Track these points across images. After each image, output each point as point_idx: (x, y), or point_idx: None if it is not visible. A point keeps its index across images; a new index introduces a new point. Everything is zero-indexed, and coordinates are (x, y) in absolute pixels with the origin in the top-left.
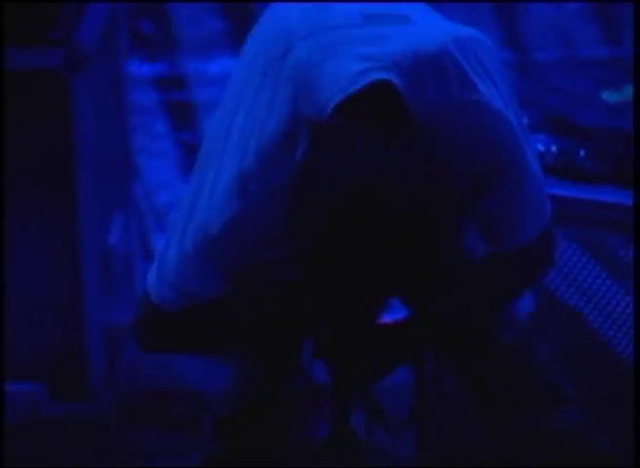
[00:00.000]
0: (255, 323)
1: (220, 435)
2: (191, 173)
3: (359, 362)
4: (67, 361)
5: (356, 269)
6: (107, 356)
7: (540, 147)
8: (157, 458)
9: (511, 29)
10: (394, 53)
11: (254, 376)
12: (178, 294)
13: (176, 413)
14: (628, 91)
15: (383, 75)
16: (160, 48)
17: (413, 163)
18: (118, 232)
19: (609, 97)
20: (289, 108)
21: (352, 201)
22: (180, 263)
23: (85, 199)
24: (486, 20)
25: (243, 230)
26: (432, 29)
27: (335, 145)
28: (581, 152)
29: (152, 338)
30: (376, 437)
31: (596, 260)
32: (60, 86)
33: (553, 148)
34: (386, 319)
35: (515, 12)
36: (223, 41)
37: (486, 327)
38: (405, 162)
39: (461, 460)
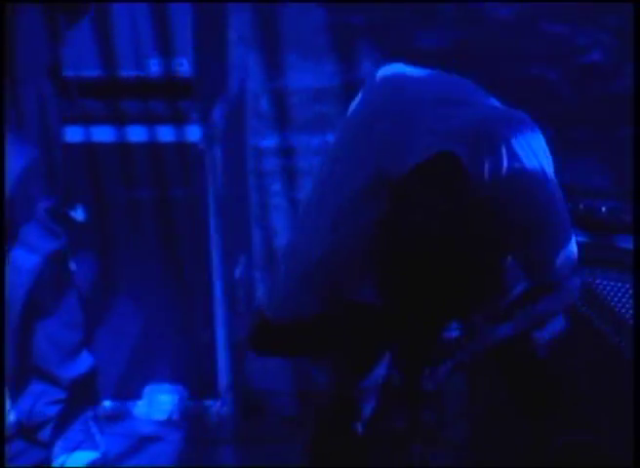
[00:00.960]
0: (344, 334)
1: (318, 424)
2: (297, 220)
3: (426, 367)
4: (201, 367)
5: (424, 296)
6: (232, 363)
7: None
8: (267, 444)
9: None
10: (457, 129)
11: (344, 376)
12: (284, 312)
13: (285, 407)
14: None
15: (449, 147)
16: (275, 125)
17: (471, 216)
18: (242, 268)
19: None
20: (374, 169)
21: (422, 243)
22: (287, 288)
23: (216, 243)
24: None
25: (334, 263)
26: (486, 110)
27: (409, 200)
28: (603, 208)
29: (264, 346)
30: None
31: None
32: (198, 156)
33: (581, 206)
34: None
35: None
36: (324, 121)
37: (525, 344)
38: (465, 216)
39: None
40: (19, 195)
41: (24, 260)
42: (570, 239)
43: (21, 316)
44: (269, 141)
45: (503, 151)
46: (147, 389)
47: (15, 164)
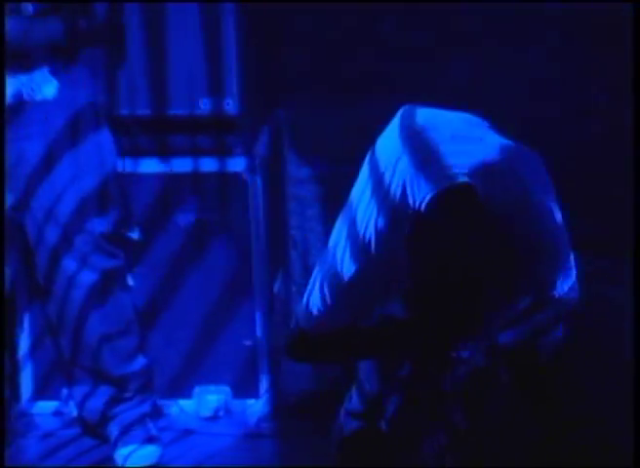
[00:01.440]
0: (373, 343)
1: (346, 422)
2: (330, 242)
3: (443, 370)
4: (244, 370)
5: (444, 309)
6: (271, 367)
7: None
8: (301, 439)
9: None
10: (473, 163)
11: (372, 378)
12: (319, 324)
13: (318, 406)
14: None
15: (466, 179)
16: (310, 155)
17: (485, 239)
18: (280, 283)
19: None
20: (400, 198)
21: (443, 263)
22: (320, 301)
23: (257, 262)
24: None
25: (365, 280)
26: (500, 147)
27: (430, 225)
28: None
29: (300, 354)
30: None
31: None
32: (242, 184)
33: None
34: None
35: None
36: (354, 153)
37: (532, 349)
38: (479, 239)
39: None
40: (76, 218)
41: (82, 276)
42: (569, 260)
43: (76, 327)
44: (305, 170)
45: (513, 182)
46: (197, 389)
47: (73, 191)
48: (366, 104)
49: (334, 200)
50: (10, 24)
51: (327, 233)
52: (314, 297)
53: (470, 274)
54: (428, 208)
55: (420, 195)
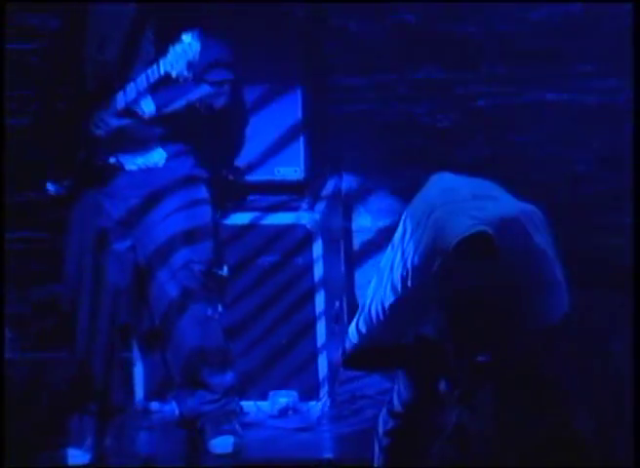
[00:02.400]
0: (408, 356)
1: (387, 420)
2: (377, 277)
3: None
4: (307, 376)
5: (466, 330)
6: (330, 373)
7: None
8: (354, 436)
9: None
10: (490, 216)
11: (411, 384)
12: (365, 340)
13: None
14: None
15: (484, 228)
16: (360, 211)
17: (498, 276)
18: (337, 309)
19: None
20: (430, 244)
21: (466, 296)
22: (368, 323)
23: (319, 293)
24: None
25: (402, 307)
26: (510, 205)
27: (456, 264)
28: None
29: (353, 364)
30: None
31: None
32: (306, 237)
33: None
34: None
35: None
36: (395, 209)
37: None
38: (494, 276)
39: None
40: (180, 258)
41: (184, 303)
42: (563, 296)
43: (178, 344)
44: (355, 223)
45: (519, 232)
46: (270, 393)
47: (180, 238)
48: (404, 173)
49: (379, 246)
50: (124, 122)
51: (374, 270)
52: (363, 320)
53: (485, 301)
54: (456, 249)
55: (448, 240)
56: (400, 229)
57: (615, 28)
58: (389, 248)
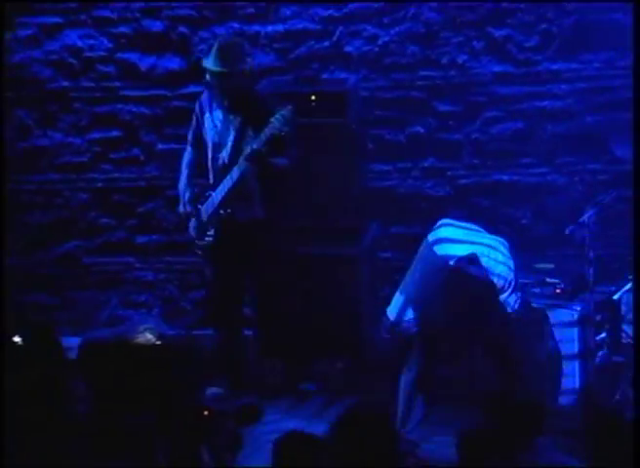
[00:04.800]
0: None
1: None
2: (403, 286)
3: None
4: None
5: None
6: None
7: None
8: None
9: None
10: (473, 252)
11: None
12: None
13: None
14: None
15: (472, 255)
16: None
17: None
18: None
19: None
20: (437, 267)
21: (455, 302)
22: (398, 310)
23: (364, 308)
24: None
25: (421, 299)
26: (482, 238)
27: (452, 282)
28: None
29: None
30: None
31: None
32: (350, 266)
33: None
34: None
35: None
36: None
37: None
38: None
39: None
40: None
41: None
42: (517, 299)
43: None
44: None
45: (490, 261)
46: None
47: None
48: (418, 222)
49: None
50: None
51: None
52: (394, 306)
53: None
54: (453, 268)
55: (449, 262)
56: (416, 259)
57: None
58: (410, 272)
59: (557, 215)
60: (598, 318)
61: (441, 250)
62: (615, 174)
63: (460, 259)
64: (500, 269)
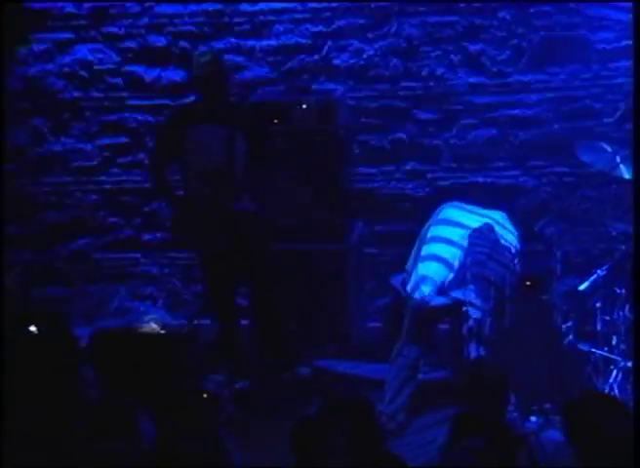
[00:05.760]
0: None
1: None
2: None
3: None
4: None
5: None
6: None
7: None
8: None
9: None
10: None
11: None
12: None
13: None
14: None
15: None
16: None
17: None
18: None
19: None
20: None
21: None
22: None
23: (352, 290)
24: None
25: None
26: (487, 212)
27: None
28: None
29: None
30: None
31: None
32: (338, 260)
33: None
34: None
35: None
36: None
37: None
38: None
39: None
40: None
41: None
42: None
43: None
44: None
45: (502, 230)
46: None
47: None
48: (401, 221)
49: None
50: None
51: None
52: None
53: None
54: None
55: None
56: (421, 237)
57: None
58: (416, 246)
59: (528, 214)
60: (565, 308)
61: (452, 220)
62: (580, 176)
63: (477, 229)
64: (511, 238)
